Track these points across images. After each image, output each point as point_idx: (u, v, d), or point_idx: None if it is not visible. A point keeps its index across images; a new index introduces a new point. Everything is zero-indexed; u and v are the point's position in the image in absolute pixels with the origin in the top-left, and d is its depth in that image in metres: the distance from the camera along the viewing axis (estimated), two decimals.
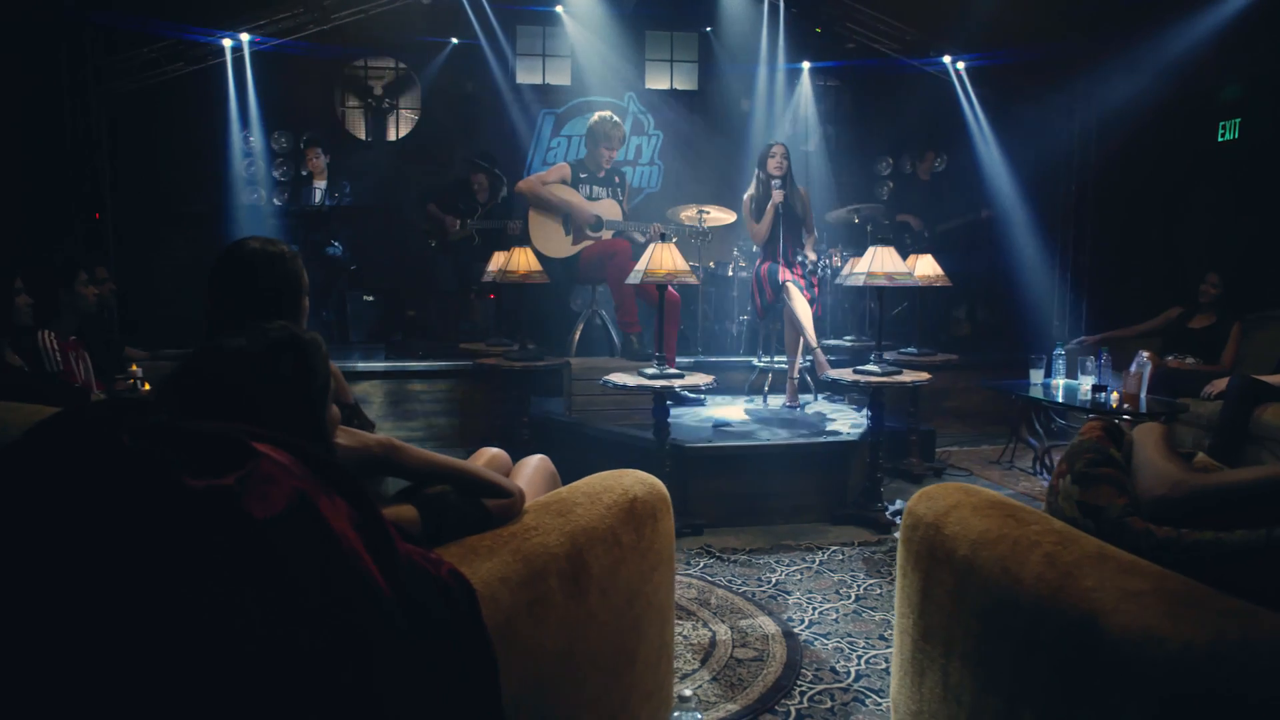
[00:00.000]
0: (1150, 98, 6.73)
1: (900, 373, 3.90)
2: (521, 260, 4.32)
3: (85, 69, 6.08)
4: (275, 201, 7.14)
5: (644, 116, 8.05)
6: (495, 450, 2.41)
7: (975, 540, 1.72)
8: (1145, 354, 4.60)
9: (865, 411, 4.98)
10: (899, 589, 2.04)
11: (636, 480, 2.02)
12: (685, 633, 2.84)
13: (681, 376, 3.73)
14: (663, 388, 3.61)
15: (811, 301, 5.12)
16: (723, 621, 2.94)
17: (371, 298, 7.32)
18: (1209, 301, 5.22)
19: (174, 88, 6.47)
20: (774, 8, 7.23)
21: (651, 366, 3.79)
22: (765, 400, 5.35)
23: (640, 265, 3.71)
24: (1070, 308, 7.49)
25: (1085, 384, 4.64)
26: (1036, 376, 4.94)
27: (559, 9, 7.35)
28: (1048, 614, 1.47)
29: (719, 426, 4.54)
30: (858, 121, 8.32)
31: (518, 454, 2.37)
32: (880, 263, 3.81)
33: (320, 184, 6.58)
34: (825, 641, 2.80)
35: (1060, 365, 4.93)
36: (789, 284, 5.03)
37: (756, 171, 5.24)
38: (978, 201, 7.21)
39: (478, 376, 5.28)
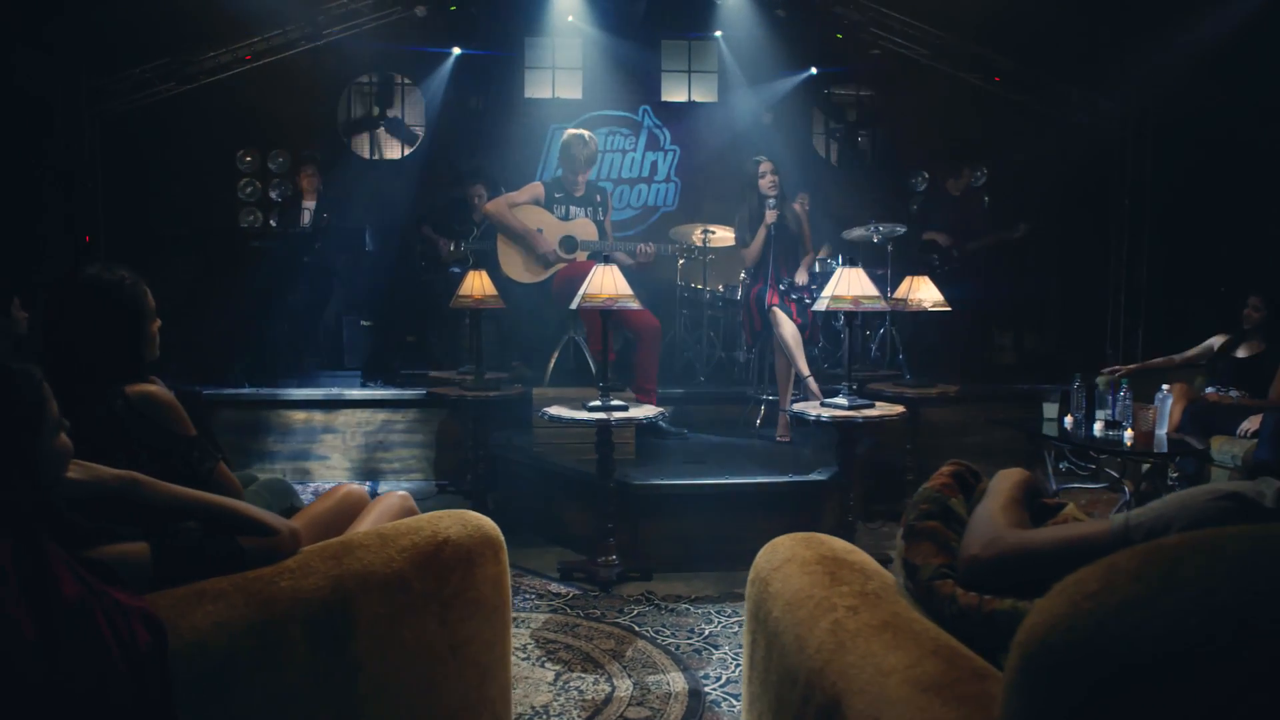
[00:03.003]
0: (1213, 99, 6.44)
1: (871, 406, 3.76)
2: (475, 284, 4.33)
3: (79, 91, 6.38)
4: (272, 223, 7.35)
5: (660, 131, 8.04)
6: (351, 486, 2.41)
7: (788, 601, 1.63)
8: (1166, 387, 4.36)
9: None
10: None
11: (457, 521, 1.98)
12: (583, 687, 2.77)
13: (625, 409, 3.67)
14: (600, 420, 3.55)
15: (803, 328, 5.01)
16: (629, 676, 2.85)
17: (369, 322, 7.43)
18: (1253, 327, 4.92)
19: (168, 108, 6.73)
20: (792, 13, 7.16)
21: (599, 397, 3.74)
22: (758, 434, 5.24)
23: (582, 288, 3.68)
24: (1125, 334, 7.16)
25: (1101, 420, 4.41)
26: (1050, 411, 4.71)
27: (570, 19, 7.41)
28: (814, 691, 1.38)
29: (690, 463, 4.46)
30: (891, 133, 8.16)
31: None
32: (847, 286, 3.70)
33: (309, 204, 6.74)
34: (735, 703, 2.69)
35: (1079, 398, 4.71)
36: (776, 309, 4.93)
37: (748, 191, 5.20)
38: (1013, 218, 6.96)
39: (451, 406, 5.31)
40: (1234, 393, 4.88)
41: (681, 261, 6.71)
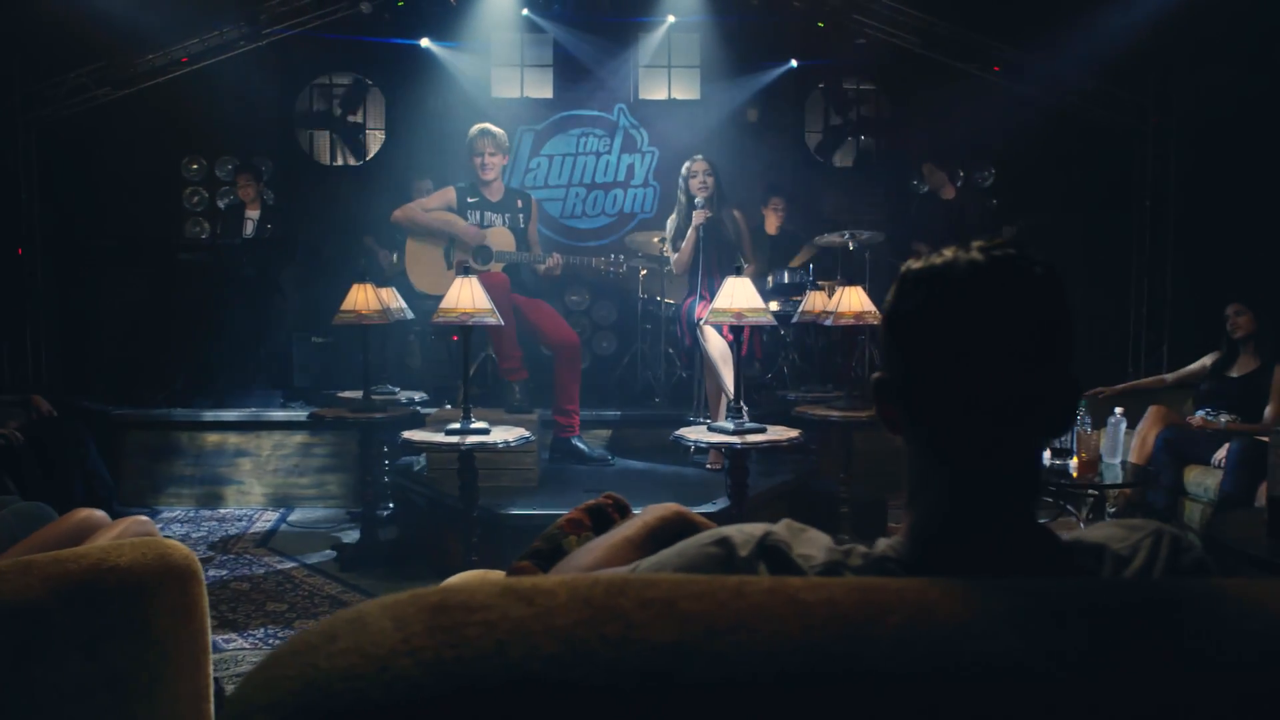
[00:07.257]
0: (1246, 87, 6.26)
1: (762, 431, 3.73)
2: (360, 298, 4.41)
3: (11, 97, 6.69)
4: (218, 232, 7.57)
5: (637, 132, 8.08)
6: (91, 512, 2.50)
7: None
8: (1119, 410, 4.23)
9: (781, 478, 4.81)
10: None
11: (136, 549, 2.01)
12: None
13: (487, 432, 3.71)
14: (454, 445, 3.60)
15: (733, 345, 4.97)
16: None
17: (321, 339, 7.58)
18: (1246, 337, 4.76)
19: (107, 115, 6.99)
20: (771, 2, 7.16)
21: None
22: (692, 461, 5.22)
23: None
24: (1148, 350, 6.94)
25: (1049, 448, 4.30)
26: None
27: (524, 11, 7.50)
28: None
29: (592, 491, 4.45)
30: (887, 130, 8.08)
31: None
32: (730, 298, 3.69)
33: (253, 214, 6.93)
34: None
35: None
36: (703, 324, 4.92)
37: (679, 194, 5.24)
38: (1019, 223, 6.83)
39: (329, 428, 5.42)
40: (1224, 417, 4.71)
41: (644, 272, 6.74)
